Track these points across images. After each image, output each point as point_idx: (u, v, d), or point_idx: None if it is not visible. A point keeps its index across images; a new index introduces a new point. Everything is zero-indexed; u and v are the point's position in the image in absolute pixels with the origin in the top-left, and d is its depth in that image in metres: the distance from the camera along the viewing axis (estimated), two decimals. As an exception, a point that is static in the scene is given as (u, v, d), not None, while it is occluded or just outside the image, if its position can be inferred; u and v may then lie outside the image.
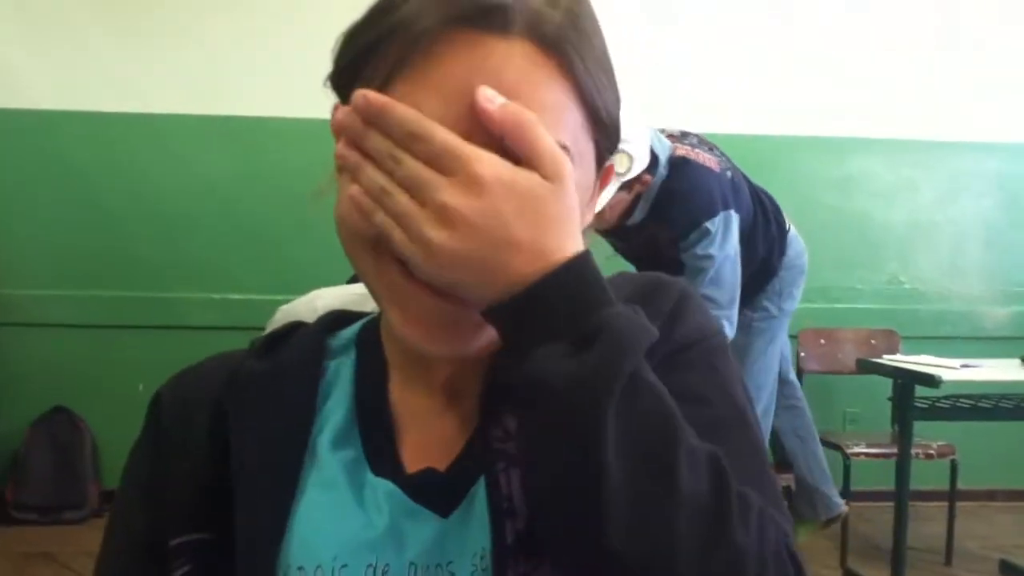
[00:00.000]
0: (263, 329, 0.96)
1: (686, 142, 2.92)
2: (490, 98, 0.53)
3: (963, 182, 4.40)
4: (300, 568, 0.61)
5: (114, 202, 4.04)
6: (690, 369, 0.62)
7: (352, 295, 1.16)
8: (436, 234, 0.51)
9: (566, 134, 0.57)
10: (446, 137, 0.52)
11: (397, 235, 0.52)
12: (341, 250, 0.60)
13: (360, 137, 0.54)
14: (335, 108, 0.61)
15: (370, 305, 0.85)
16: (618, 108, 0.62)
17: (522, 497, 0.59)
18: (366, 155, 0.54)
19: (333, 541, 0.61)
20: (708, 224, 2.76)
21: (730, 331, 2.81)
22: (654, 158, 2.74)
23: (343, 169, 0.56)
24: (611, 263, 3.08)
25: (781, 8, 4.25)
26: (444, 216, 0.51)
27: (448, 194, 0.51)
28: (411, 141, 0.52)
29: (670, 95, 4.05)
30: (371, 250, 0.57)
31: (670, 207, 2.79)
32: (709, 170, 2.88)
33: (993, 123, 4.36)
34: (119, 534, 0.69)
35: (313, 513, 0.62)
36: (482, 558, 0.60)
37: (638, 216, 2.83)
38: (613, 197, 2.67)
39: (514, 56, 0.55)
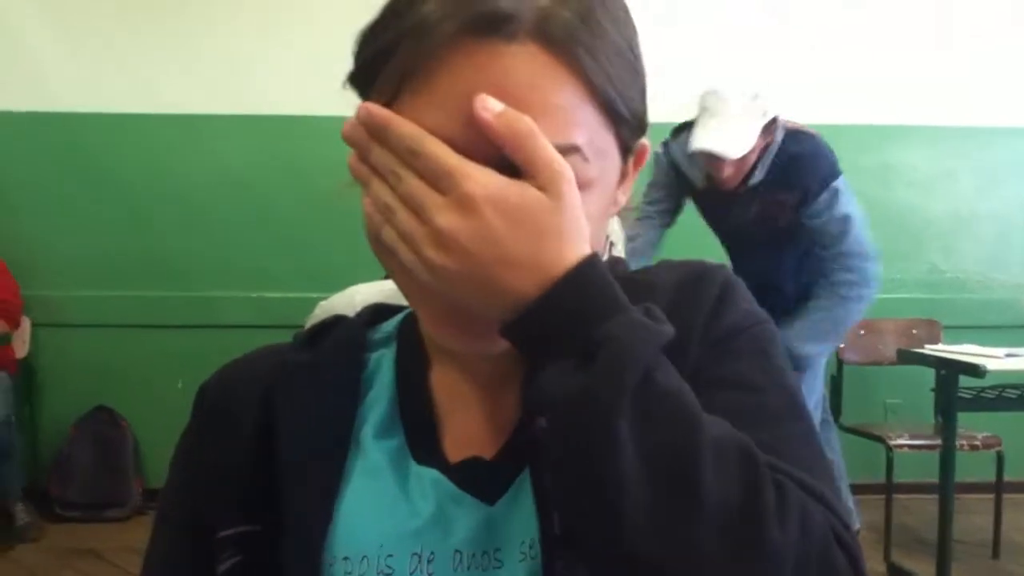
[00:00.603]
0: (300, 326, 0.96)
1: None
2: (488, 107, 0.52)
3: (1005, 169, 4.32)
4: (346, 558, 0.61)
5: (149, 203, 4.09)
6: (740, 356, 0.61)
7: (389, 290, 1.17)
8: (434, 255, 0.52)
9: (580, 134, 0.56)
10: (441, 154, 0.52)
11: (402, 251, 0.53)
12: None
13: (365, 150, 0.55)
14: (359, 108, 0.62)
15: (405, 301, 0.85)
16: (642, 95, 0.61)
17: None
18: (373, 169, 0.55)
19: (378, 530, 0.62)
20: (836, 184, 2.78)
21: (876, 288, 2.82)
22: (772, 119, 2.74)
23: (356, 181, 0.56)
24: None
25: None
26: (440, 239, 0.52)
27: (442, 217, 0.51)
28: (410, 157, 0.53)
29: (711, 78, 4.02)
30: (395, 256, 0.57)
31: (796, 171, 2.77)
32: (818, 136, 2.89)
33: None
34: (167, 525, 0.69)
35: (358, 503, 0.63)
36: (531, 547, 0.60)
37: (757, 177, 2.80)
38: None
39: (520, 61, 0.54)
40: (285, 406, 0.66)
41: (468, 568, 0.60)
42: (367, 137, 0.54)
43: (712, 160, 2.73)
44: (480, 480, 0.63)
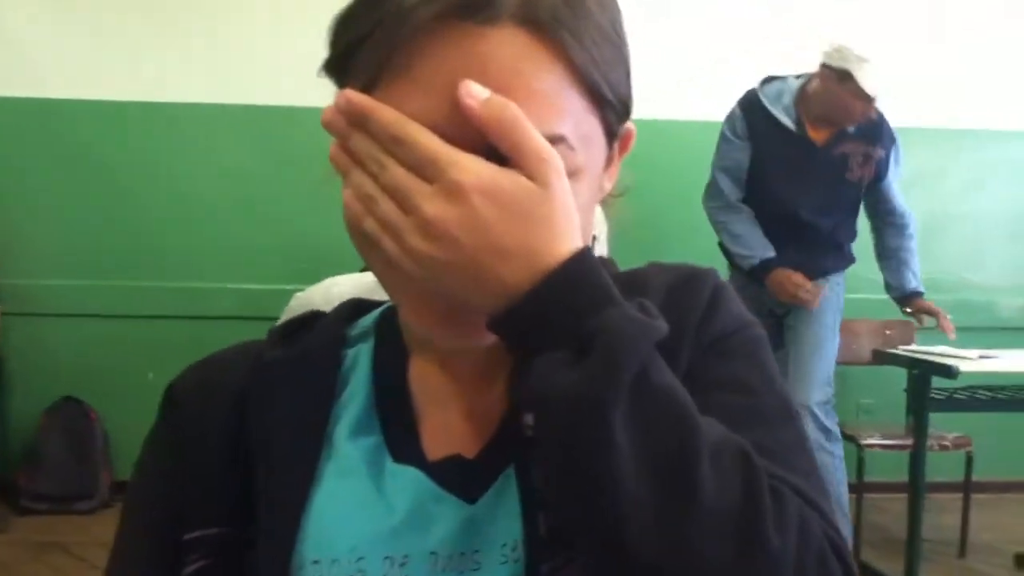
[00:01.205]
0: (277, 318, 0.95)
1: None
2: (473, 93, 0.51)
3: (984, 171, 4.36)
4: (316, 562, 0.59)
5: (129, 191, 4.04)
6: (732, 357, 0.61)
7: (367, 282, 1.16)
8: (421, 245, 0.50)
9: (564, 121, 0.54)
10: (426, 142, 0.50)
11: (385, 242, 0.52)
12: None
13: (346, 139, 0.53)
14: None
15: (385, 293, 0.84)
16: (627, 77, 0.60)
17: None
18: (354, 158, 0.53)
19: (350, 533, 0.60)
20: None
21: None
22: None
23: (337, 172, 0.55)
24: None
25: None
26: (427, 228, 0.50)
27: (430, 205, 0.50)
28: (393, 145, 0.51)
29: (683, 82, 4.02)
30: (376, 248, 0.56)
31: (879, 128, 3.30)
32: None
33: (1019, 110, 4.31)
34: (134, 527, 0.67)
35: (329, 505, 0.61)
36: (513, 549, 0.58)
37: (851, 128, 3.21)
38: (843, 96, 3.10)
39: (503, 46, 0.52)
40: (258, 406, 0.64)
41: (444, 570, 0.59)
42: (347, 125, 0.52)
43: (868, 103, 3.15)
44: (461, 479, 0.61)
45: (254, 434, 0.63)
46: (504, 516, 0.59)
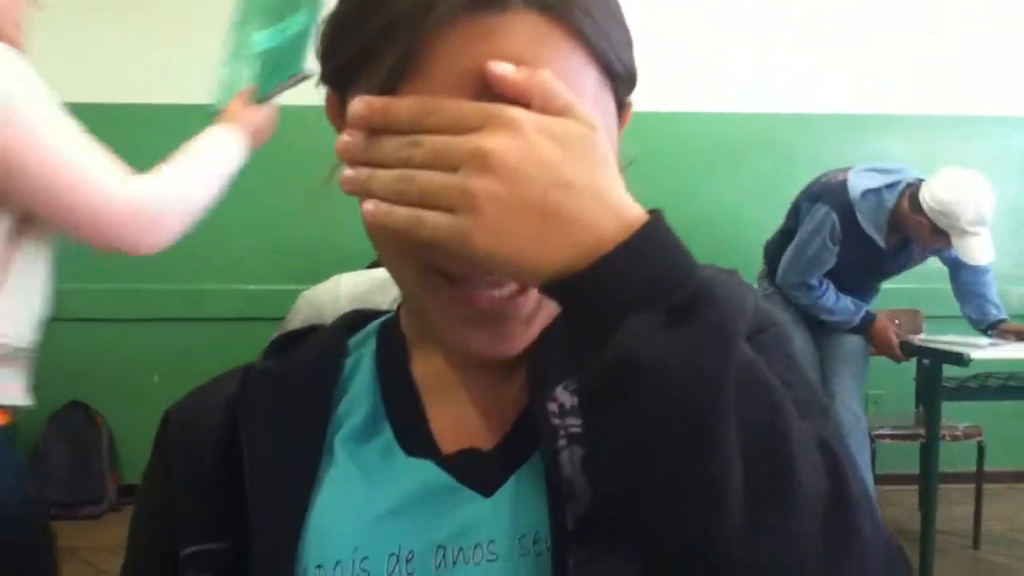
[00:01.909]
0: (280, 319, 0.92)
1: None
2: (503, 67, 0.49)
3: (990, 158, 4.33)
4: (319, 567, 0.58)
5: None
6: (767, 354, 0.58)
7: (374, 279, 1.13)
8: (478, 183, 0.45)
9: (584, 100, 0.52)
10: (464, 102, 0.48)
11: (430, 220, 0.46)
12: (358, 239, 0.56)
13: (366, 151, 0.49)
14: (329, 100, 0.58)
15: (394, 290, 0.81)
16: (630, 50, 0.58)
17: (583, 479, 0.54)
18: (375, 164, 0.49)
19: (352, 534, 0.58)
20: None
21: None
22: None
23: (353, 193, 0.50)
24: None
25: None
26: (484, 162, 0.45)
27: (484, 139, 0.46)
28: (426, 118, 0.48)
29: (686, 74, 4.00)
30: (412, 264, 0.54)
31: None
32: None
33: (1020, 96, 4.28)
34: (136, 549, 0.67)
35: (330, 509, 0.59)
36: (535, 542, 0.56)
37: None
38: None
39: (518, 32, 0.51)
40: (251, 418, 0.62)
41: (455, 564, 0.57)
42: (364, 139, 0.49)
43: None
44: (477, 471, 0.59)
45: (246, 445, 0.61)
46: (523, 508, 0.57)
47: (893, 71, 4.21)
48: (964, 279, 3.44)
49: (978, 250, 3.10)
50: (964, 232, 3.07)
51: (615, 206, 0.47)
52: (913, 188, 3.19)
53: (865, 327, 3.35)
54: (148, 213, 1.52)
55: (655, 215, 0.48)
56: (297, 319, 1.25)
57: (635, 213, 0.48)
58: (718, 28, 4.15)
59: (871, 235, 3.25)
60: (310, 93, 0.71)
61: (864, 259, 3.31)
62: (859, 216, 3.23)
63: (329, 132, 0.59)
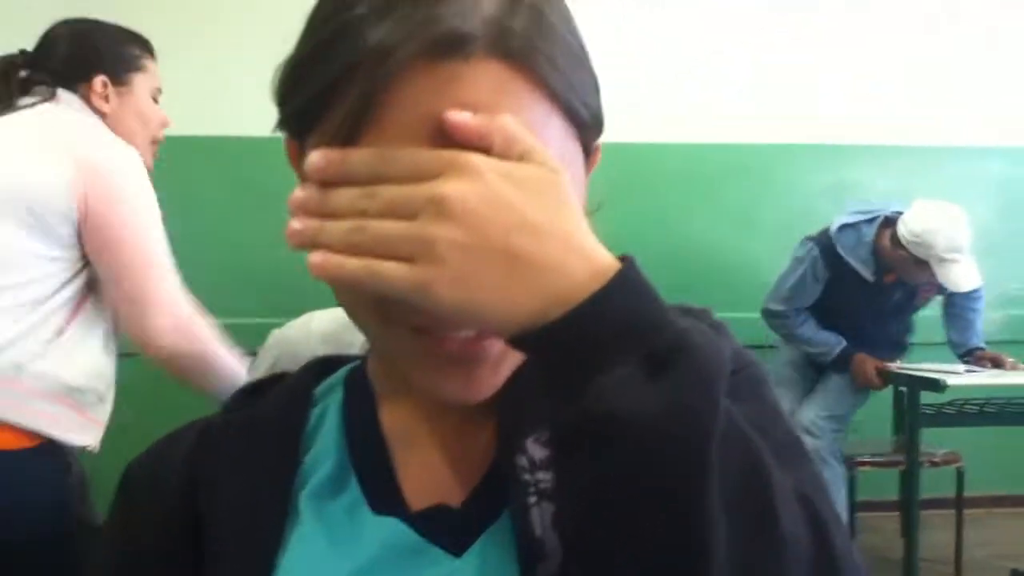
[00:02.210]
0: (252, 353, 0.91)
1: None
2: (460, 115, 0.47)
3: (960, 188, 4.37)
4: None
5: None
6: (738, 397, 0.57)
7: (347, 317, 1.12)
8: (438, 230, 0.43)
9: (550, 148, 0.49)
10: (421, 150, 0.46)
11: (387, 270, 0.43)
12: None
13: (321, 204, 0.46)
14: (289, 145, 0.56)
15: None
16: (597, 96, 0.56)
17: (555, 537, 0.52)
18: (327, 216, 0.46)
19: None
20: None
21: None
22: None
23: (301, 247, 0.47)
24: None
25: (771, 14, 4.24)
26: (442, 207, 0.43)
27: (442, 185, 0.43)
28: (383, 167, 0.46)
29: (657, 105, 4.03)
30: (374, 312, 0.52)
31: None
32: None
33: (991, 127, 4.34)
34: None
35: (295, 571, 0.57)
36: None
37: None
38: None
39: (480, 80, 0.49)
40: (212, 478, 0.60)
41: None
42: (319, 192, 0.47)
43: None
44: (447, 529, 0.57)
45: (206, 506, 0.59)
46: (493, 567, 0.55)
47: (860, 104, 4.26)
48: (955, 302, 3.51)
49: (960, 276, 3.16)
50: (942, 260, 3.13)
51: (583, 251, 0.45)
52: (892, 222, 3.26)
53: (844, 359, 3.41)
54: (185, 343, 1.84)
55: (627, 261, 0.46)
56: (269, 356, 1.23)
57: (605, 259, 0.46)
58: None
59: (857, 269, 3.32)
60: (273, 123, 0.69)
61: (861, 296, 3.36)
62: (840, 250, 3.31)
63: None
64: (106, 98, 1.75)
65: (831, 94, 4.23)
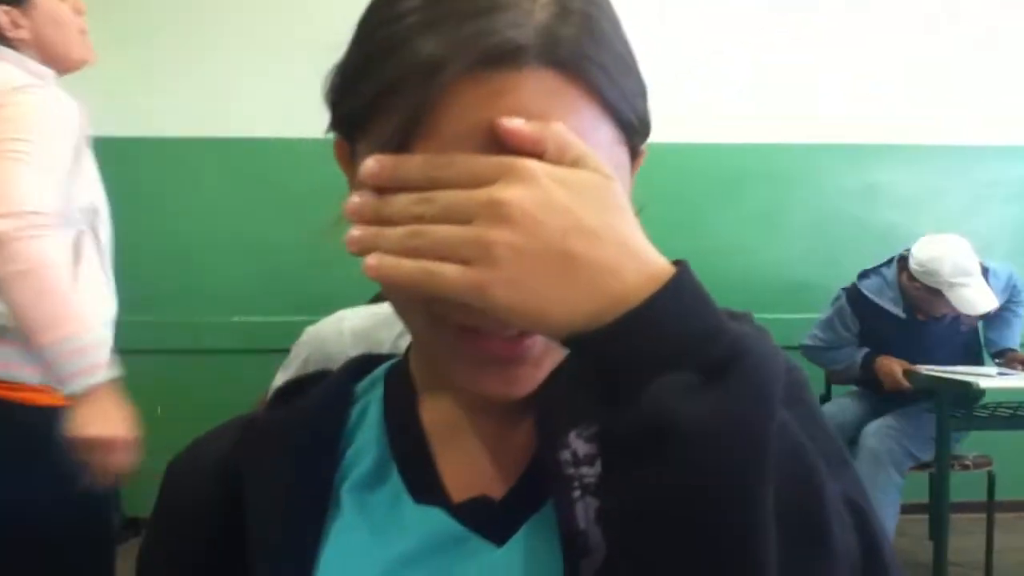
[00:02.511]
0: (282, 351, 0.91)
1: None
2: (515, 121, 0.47)
3: (989, 188, 4.33)
4: None
5: (125, 226, 4.01)
6: (785, 403, 0.57)
7: (378, 315, 1.12)
8: (495, 234, 0.44)
9: (601, 154, 0.50)
10: (476, 156, 0.46)
11: (444, 272, 0.44)
12: (357, 273, 0.55)
13: (377, 209, 0.48)
14: (338, 145, 0.57)
15: (397, 326, 0.80)
16: (644, 100, 0.57)
17: (598, 532, 0.52)
18: (384, 222, 0.48)
19: None
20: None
21: None
22: None
23: (361, 254, 0.48)
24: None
25: (797, 13, 4.21)
26: (499, 212, 0.44)
27: (499, 190, 0.44)
28: (438, 173, 0.46)
29: (686, 105, 4.01)
30: (423, 312, 0.52)
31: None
32: None
33: (1017, 126, 4.29)
34: None
35: (339, 561, 0.57)
36: None
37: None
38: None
39: (532, 89, 0.49)
40: (253, 472, 0.60)
41: None
42: (375, 199, 0.48)
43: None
44: (488, 520, 0.57)
45: (249, 500, 0.60)
46: (536, 559, 0.55)
47: (888, 103, 4.22)
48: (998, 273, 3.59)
49: (973, 299, 3.25)
50: (952, 285, 3.25)
51: (638, 254, 0.46)
52: (904, 259, 3.40)
53: (868, 364, 3.45)
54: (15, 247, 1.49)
55: (681, 266, 0.47)
56: (303, 352, 1.24)
57: (660, 263, 0.46)
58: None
59: (888, 309, 3.45)
60: (309, 125, 0.70)
61: (903, 339, 3.44)
62: (867, 294, 3.48)
63: (330, 164, 0.58)
64: (17, 25, 1.72)
65: (858, 94, 4.20)
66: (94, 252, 1.85)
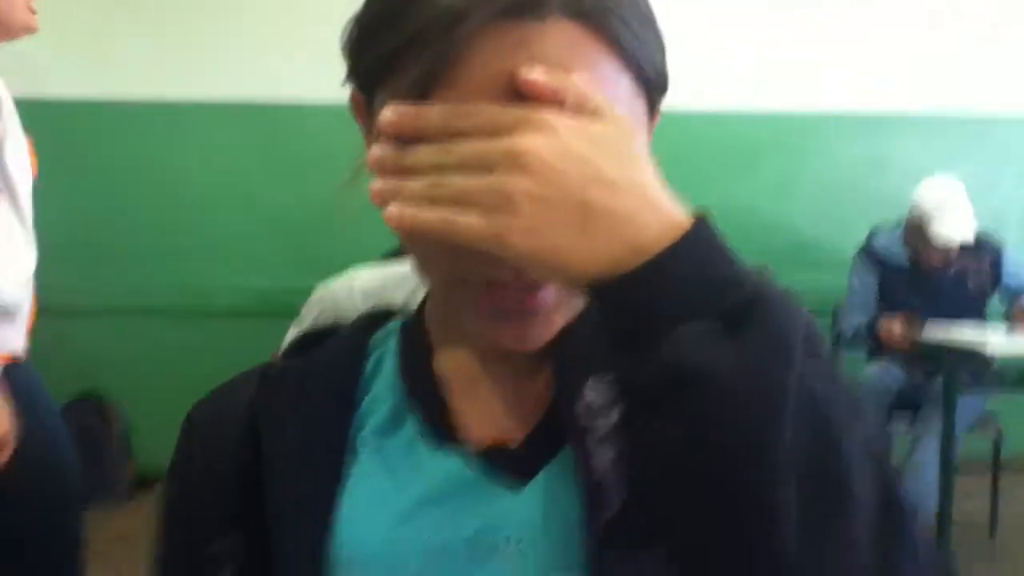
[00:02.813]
0: (293, 314, 0.92)
1: None
2: (535, 72, 0.48)
3: (1002, 159, 4.29)
4: (348, 560, 0.58)
5: (139, 189, 4.05)
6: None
7: (389, 275, 1.12)
8: (515, 182, 0.44)
9: (620, 106, 0.51)
10: (495, 106, 0.47)
11: (464, 221, 0.45)
12: (368, 234, 0.55)
13: (397, 160, 0.48)
14: (355, 98, 0.57)
15: (407, 286, 0.81)
16: (663, 55, 0.57)
17: (615, 480, 0.53)
18: (405, 173, 0.48)
19: (381, 528, 0.58)
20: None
21: None
22: None
23: (383, 205, 0.49)
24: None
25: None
26: (519, 161, 0.44)
27: (518, 140, 0.45)
28: (457, 122, 0.47)
29: (691, 72, 3.97)
30: (443, 263, 0.53)
31: (980, 239, 3.46)
32: None
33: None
34: (164, 547, 0.67)
35: (358, 505, 0.59)
36: (565, 539, 0.55)
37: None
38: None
39: (554, 39, 0.50)
40: (271, 418, 0.62)
41: (484, 559, 0.56)
42: (394, 150, 0.48)
43: (943, 252, 3.38)
44: (505, 466, 0.58)
45: (267, 446, 0.61)
46: (554, 504, 0.56)
47: (898, 71, 4.17)
48: (1017, 260, 3.63)
49: (949, 230, 3.28)
50: (932, 218, 3.30)
51: (658, 204, 0.46)
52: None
53: (872, 328, 3.47)
54: None
55: (701, 216, 0.47)
56: (314, 309, 1.25)
57: (680, 213, 0.47)
58: (716, 24, 4.12)
59: (894, 260, 3.52)
60: (322, 90, 0.70)
61: (913, 295, 3.47)
62: (876, 248, 3.55)
63: (342, 128, 0.58)
64: None
65: (868, 62, 4.16)
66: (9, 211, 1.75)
